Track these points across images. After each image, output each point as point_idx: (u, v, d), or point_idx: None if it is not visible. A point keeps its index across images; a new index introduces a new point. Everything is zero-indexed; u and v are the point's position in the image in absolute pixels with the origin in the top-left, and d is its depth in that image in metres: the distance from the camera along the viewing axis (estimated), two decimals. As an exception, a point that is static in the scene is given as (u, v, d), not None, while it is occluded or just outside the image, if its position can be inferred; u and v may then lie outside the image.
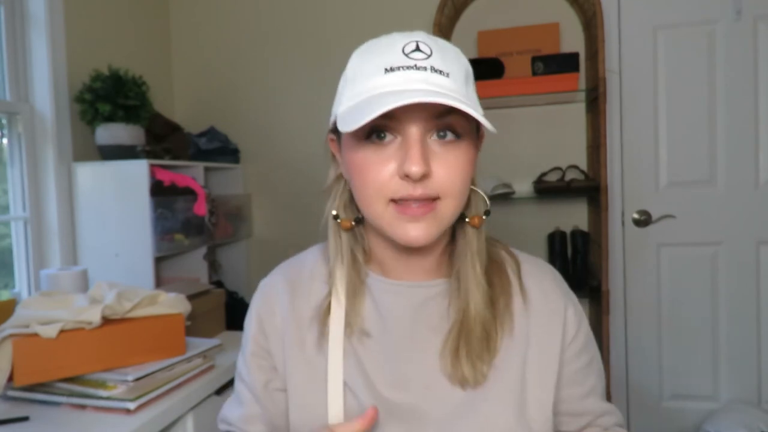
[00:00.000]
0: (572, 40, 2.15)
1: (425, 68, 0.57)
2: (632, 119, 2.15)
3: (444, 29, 2.06)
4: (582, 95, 2.09)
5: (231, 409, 0.74)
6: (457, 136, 0.59)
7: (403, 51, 0.58)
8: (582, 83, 2.11)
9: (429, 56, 0.58)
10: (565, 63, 2.00)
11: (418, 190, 0.57)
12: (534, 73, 2.01)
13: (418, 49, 0.58)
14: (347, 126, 0.55)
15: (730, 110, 2.06)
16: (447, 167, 0.58)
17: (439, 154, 0.58)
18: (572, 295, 0.73)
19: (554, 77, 1.98)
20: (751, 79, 2.04)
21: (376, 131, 0.58)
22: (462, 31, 2.24)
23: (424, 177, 0.56)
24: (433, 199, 0.58)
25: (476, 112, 0.54)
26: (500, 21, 2.18)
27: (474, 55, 2.17)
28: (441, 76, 0.57)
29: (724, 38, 2.05)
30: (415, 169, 0.55)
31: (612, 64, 2.11)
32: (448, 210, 0.59)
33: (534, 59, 2.02)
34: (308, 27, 2.38)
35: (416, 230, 0.58)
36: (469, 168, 0.60)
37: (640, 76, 2.13)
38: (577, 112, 2.20)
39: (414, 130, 0.57)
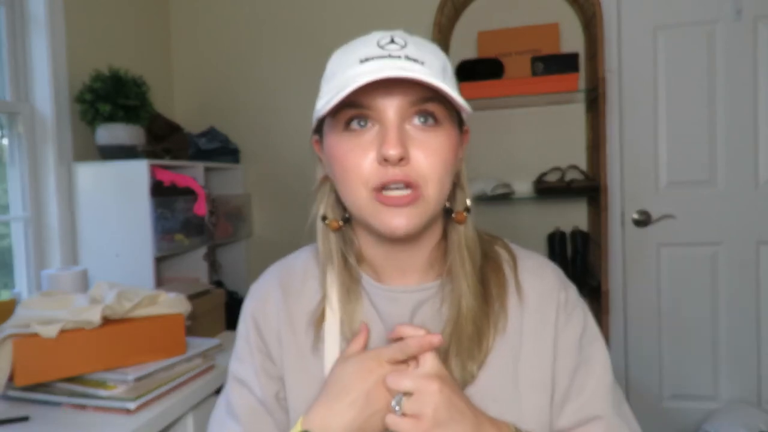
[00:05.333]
0: (572, 40, 2.15)
1: (399, 57, 0.57)
2: (632, 119, 2.15)
3: (444, 29, 2.07)
4: (582, 95, 2.09)
5: (228, 427, 0.68)
6: (437, 121, 0.59)
7: (378, 44, 0.59)
8: (582, 83, 2.11)
9: (403, 47, 0.58)
10: (565, 63, 2.00)
11: (398, 175, 0.56)
12: (534, 74, 2.01)
13: (392, 41, 0.59)
14: (322, 110, 0.57)
15: (730, 110, 2.06)
16: (426, 151, 0.57)
17: (418, 140, 0.58)
18: (571, 287, 0.70)
19: (554, 77, 1.98)
20: (751, 79, 2.04)
21: (355, 118, 0.58)
22: (462, 31, 2.24)
23: (403, 161, 0.56)
24: (415, 187, 0.57)
25: (453, 94, 0.55)
26: (500, 21, 2.18)
27: (474, 55, 2.18)
28: (416, 63, 0.57)
29: (724, 38, 2.05)
30: (392, 152, 0.55)
31: (612, 64, 2.11)
32: (428, 197, 0.58)
33: (534, 59, 2.02)
34: (308, 27, 2.38)
35: (399, 218, 0.57)
36: (449, 155, 0.59)
37: (640, 76, 2.12)
38: (577, 112, 2.20)
39: (391, 115, 0.57)
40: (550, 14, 2.16)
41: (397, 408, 0.55)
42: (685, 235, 2.13)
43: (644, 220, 2.16)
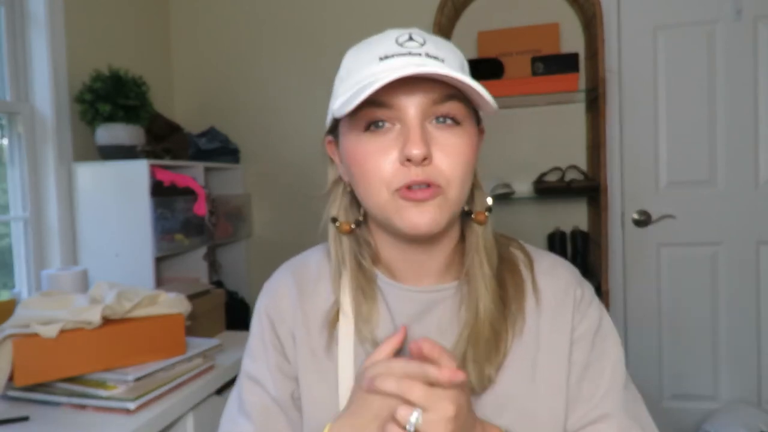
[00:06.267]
0: (572, 40, 2.15)
1: (419, 54, 0.56)
2: (632, 119, 2.15)
3: (444, 29, 2.06)
4: (582, 95, 2.09)
5: (241, 425, 0.67)
6: (457, 122, 0.58)
7: (396, 41, 0.58)
8: (582, 83, 2.11)
9: (423, 45, 0.57)
10: (565, 63, 2.00)
11: (420, 176, 0.55)
12: (534, 74, 2.01)
13: (411, 39, 0.58)
14: (342, 111, 0.55)
15: (730, 110, 2.06)
16: (447, 152, 0.56)
17: (439, 139, 0.56)
18: (587, 284, 0.69)
19: (554, 77, 1.98)
20: (751, 79, 2.04)
21: (374, 121, 0.57)
22: (462, 31, 2.24)
23: (426, 161, 0.55)
24: (437, 188, 0.56)
25: (481, 90, 0.54)
26: (500, 21, 2.18)
27: (474, 55, 2.18)
28: (436, 61, 0.56)
29: (724, 38, 2.05)
30: (416, 151, 0.54)
31: (612, 64, 2.11)
32: (451, 198, 0.57)
33: (534, 59, 2.02)
34: (308, 27, 2.38)
35: (421, 215, 0.56)
36: (470, 154, 0.58)
37: (640, 76, 2.13)
38: (577, 112, 2.20)
39: (412, 114, 0.56)
40: (550, 14, 2.16)
41: (410, 428, 0.51)
42: (685, 235, 2.13)
43: (644, 220, 2.16)
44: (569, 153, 2.19)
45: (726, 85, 2.06)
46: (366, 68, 0.57)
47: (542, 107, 2.21)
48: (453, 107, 0.57)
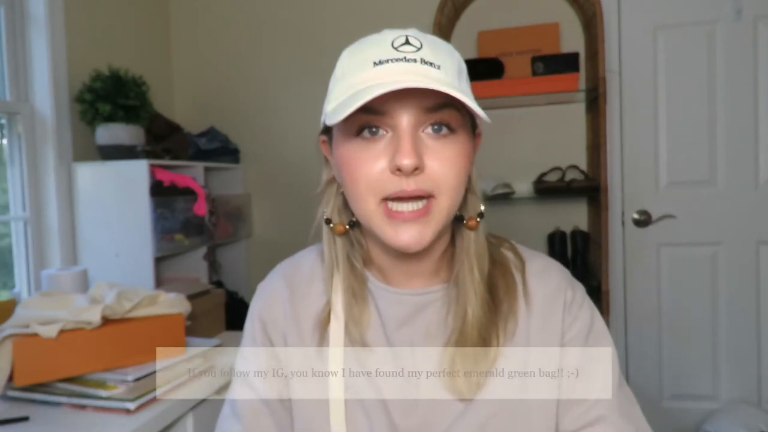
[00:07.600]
0: (572, 40, 2.15)
1: (415, 60, 0.55)
2: (632, 119, 2.15)
3: (444, 29, 2.07)
4: (582, 95, 2.09)
5: (231, 425, 0.68)
6: (452, 130, 0.57)
7: (392, 45, 0.56)
8: (582, 83, 2.11)
9: (419, 49, 0.56)
10: (565, 63, 2.00)
11: (411, 185, 0.54)
12: (534, 73, 2.01)
13: (407, 42, 0.56)
14: (334, 118, 0.54)
15: (730, 110, 2.06)
16: (440, 161, 0.55)
17: (433, 148, 0.56)
18: (578, 286, 0.69)
19: (554, 77, 1.98)
20: (751, 79, 2.03)
21: (367, 127, 0.56)
22: (462, 31, 2.24)
23: (417, 171, 0.54)
24: (427, 198, 0.56)
25: (473, 104, 0.53)
26: (500, 21, 2.18)
27: (474, 55, 2.18)
28: (432, 68, 0.55)
29: (724, 38, 2.05)
30: (407, 161, 0.53)
31: (612, 64, 2.11)
32: (442, 209, 0.57)
33: (534, 59, 2.02)
34: (308, 27, 2.38)
35: (409, 234, 0.56)
36: (464, 163, 0.58)
37: (640, 76, 2.12)
38: (577, 112, 2.20)
39: (405, 122, 0.55)
40: (550, 14, 2.16)
41: None
42: (685, 235, 2.13)
43: (644, 220, 2.16)
44: (569, 153, 2.19)
45: (726, 85, 2.05)
46: (360, 72, 0.56)
47: (542, 107, 2.21)
48: (446, 115, 0.56)
